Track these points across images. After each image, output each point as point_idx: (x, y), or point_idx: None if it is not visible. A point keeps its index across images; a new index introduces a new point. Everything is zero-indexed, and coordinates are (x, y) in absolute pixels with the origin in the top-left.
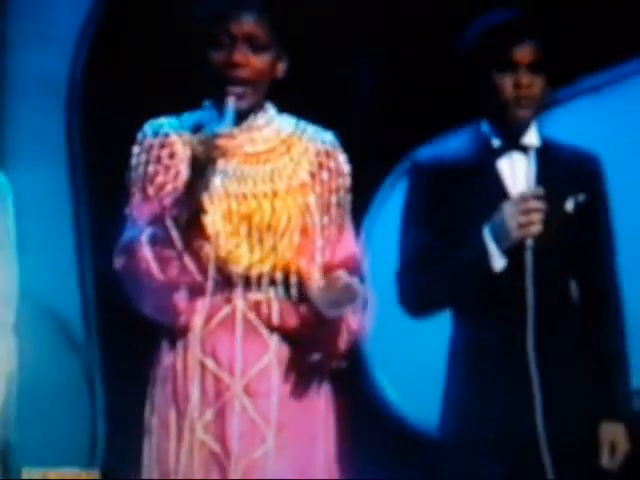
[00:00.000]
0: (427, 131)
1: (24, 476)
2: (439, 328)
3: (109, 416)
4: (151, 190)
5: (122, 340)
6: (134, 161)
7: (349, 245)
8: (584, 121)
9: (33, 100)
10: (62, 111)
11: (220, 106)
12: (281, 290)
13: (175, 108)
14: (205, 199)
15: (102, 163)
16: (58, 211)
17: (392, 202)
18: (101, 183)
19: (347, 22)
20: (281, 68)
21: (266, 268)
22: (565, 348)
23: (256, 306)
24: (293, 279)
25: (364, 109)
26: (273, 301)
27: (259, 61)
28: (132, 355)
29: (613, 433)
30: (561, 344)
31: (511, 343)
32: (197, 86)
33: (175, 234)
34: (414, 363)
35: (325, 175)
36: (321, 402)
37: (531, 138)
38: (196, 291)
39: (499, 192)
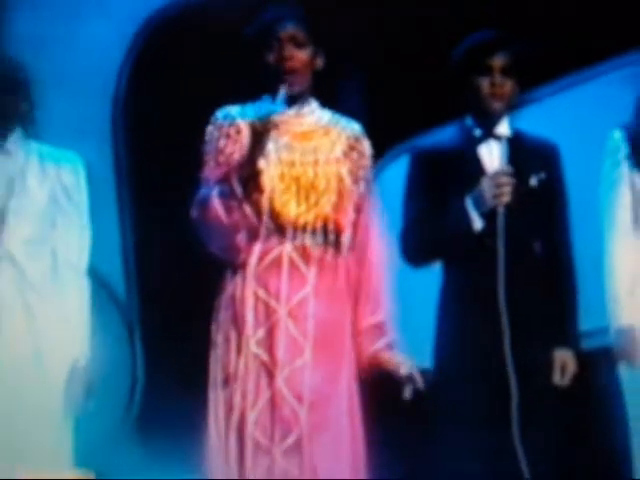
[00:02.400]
0: (425, 124)
1: (17, 475)
2: (429, 279)
3: (146, 360)
4: (221, 158)
5: (157, 298)
6: (208, 137)
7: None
8: (548, 117)
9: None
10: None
11: (274, 96)
12: (320, 236)
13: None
14: (262, 164)
15: (143, 140)
16: (103, 181)
17: (385, 180)
18: (141, 159)
19: (355, 27)
20: (319, 62)
21: (310, 218)
22: (529, 292)
23: (300, 250)
24: (330, 227)
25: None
26: (313, 247)
27: (302, 54)
28: (166, 310)
29: (563, 357)
30: (526, 289)
31: (486, 287)
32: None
33: (238, 188)
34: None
35: (355, 155)
36: (345, 325)
37: (503, 129)
38: (253, 235)
39: (479, 171)
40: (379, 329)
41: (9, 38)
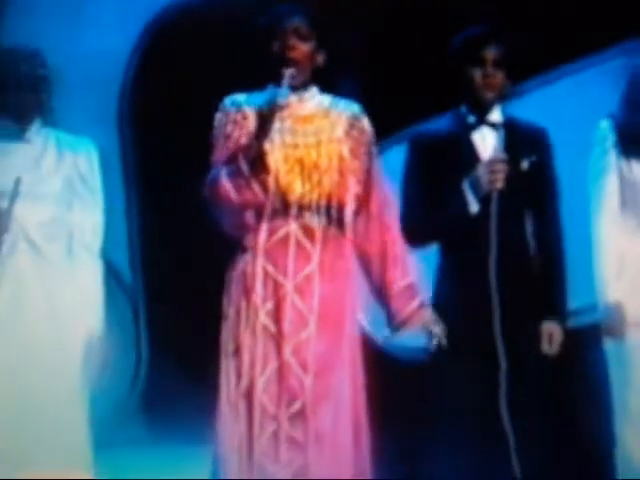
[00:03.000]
0: (422, 114)
1: (17, 476)
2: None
3: (150, 341)
4: (229, 142)
5: (161, 283)
6: (216, 123)
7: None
8: (536, 108)
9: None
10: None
11: (278, 85)
12: (324, 214)
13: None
14: (267, 146)
15: (148, 130)
16: (110, 170)
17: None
18: (146, 148)
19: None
20: (320, 58)
21: (314, 196)
22: (519, 268)
23: (305, 229)
24: (333, 204)
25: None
26: (317, 224)
27: (304, 46)
28: (169, 294)
29: (550, 328)
30: (516, 265)
31: (479, 264)
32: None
33: (245, 167)
34: None
35: (355, 133)
36: (348, 300)
37: (496, 116)
38: (261, 214)
39: (472, 156)
40: (411, 290)
41: (24, 34)
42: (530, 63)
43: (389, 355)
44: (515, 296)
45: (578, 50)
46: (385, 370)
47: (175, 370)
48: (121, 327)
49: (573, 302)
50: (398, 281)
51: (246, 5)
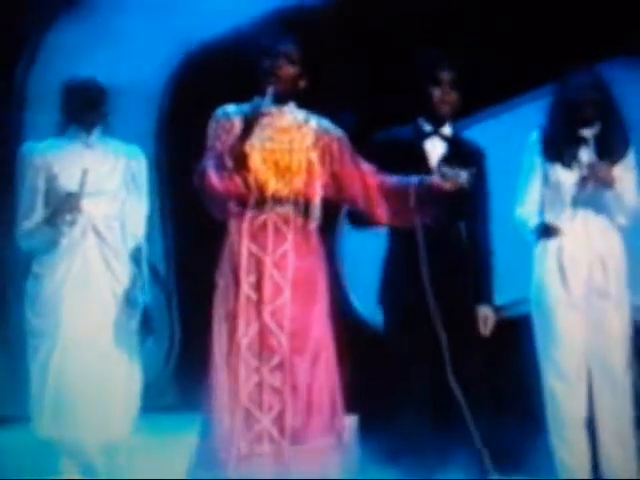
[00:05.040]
0: (389, 122)
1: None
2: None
3: (182, 326)
4: (218, 144)
5: (191, 276)
6: (209, 130)
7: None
8: (482, 130)
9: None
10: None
11: (263, 97)
12: (294, 206)
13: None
14: (248, 147)
15: (179, 142)
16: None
17: None
18: (179, 161)
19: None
20: (302, 84)
21: (286, 191)
22: (454, 265)
23: (280, 216)
24: (301, 199)
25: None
26: (290, 214)
27: (291, 69)
28: (198, 287)
29: (485, 312)
30: (450, 262)
31: (412, 256)
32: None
33: (229, 163)
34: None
35: (321, 144)
36: (317, 273)
37: (447, 130)
38: (245, 203)
39: (422, 159)
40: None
41: (62, 70)
42: (478, 86)
43: (358, 325)
44: (450, 287)
45: (522, 84)
46: (355, 339)
47: (204, 350)
48: (156, 313)
49: (505, 296)
50: (391, 183)
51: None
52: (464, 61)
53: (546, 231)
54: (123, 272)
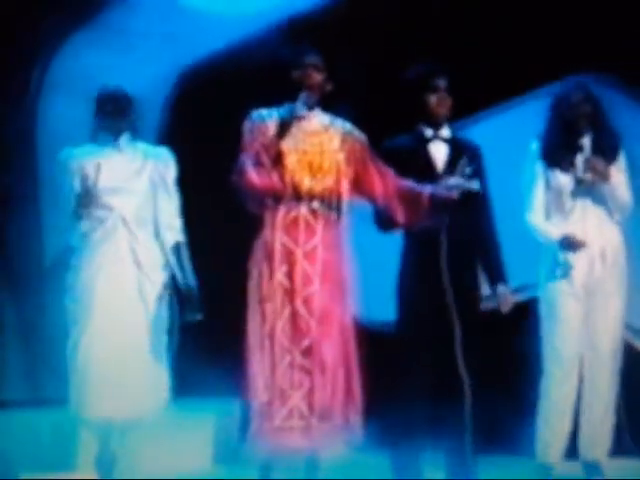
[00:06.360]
0: (391, 131)
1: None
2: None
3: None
4: (255, 143)
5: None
6: (245, 130)
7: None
8: (480, 130)
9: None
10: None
11: (294, 103)
12: (326, 202)
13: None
14: (284, 147)
15: (185, 146)
16: None
17: None
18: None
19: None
20: (328, 87)
21: (318, 189)
22: (465, 258)
23: (311, 212)
24: (333, 196)
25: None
26: (319, 210)
27: (318, 77)
28: (201, 281)
29: (503, 290)
30: (462, 256)
31: (431, 255)
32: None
33: (267, 161)
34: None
35: (346, 146)
36: (343, 267)
37: (445, 132)
38: (279, 199)
39: (428, 162)
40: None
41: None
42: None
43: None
44: (463, 278)
45: (516, 87)
46: (368, 334)
47: (228, 338)
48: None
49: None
50: (408, 187)
51: (269, 56)
52: (457, 67)
53: (571, 245)
54: (152, 265)
